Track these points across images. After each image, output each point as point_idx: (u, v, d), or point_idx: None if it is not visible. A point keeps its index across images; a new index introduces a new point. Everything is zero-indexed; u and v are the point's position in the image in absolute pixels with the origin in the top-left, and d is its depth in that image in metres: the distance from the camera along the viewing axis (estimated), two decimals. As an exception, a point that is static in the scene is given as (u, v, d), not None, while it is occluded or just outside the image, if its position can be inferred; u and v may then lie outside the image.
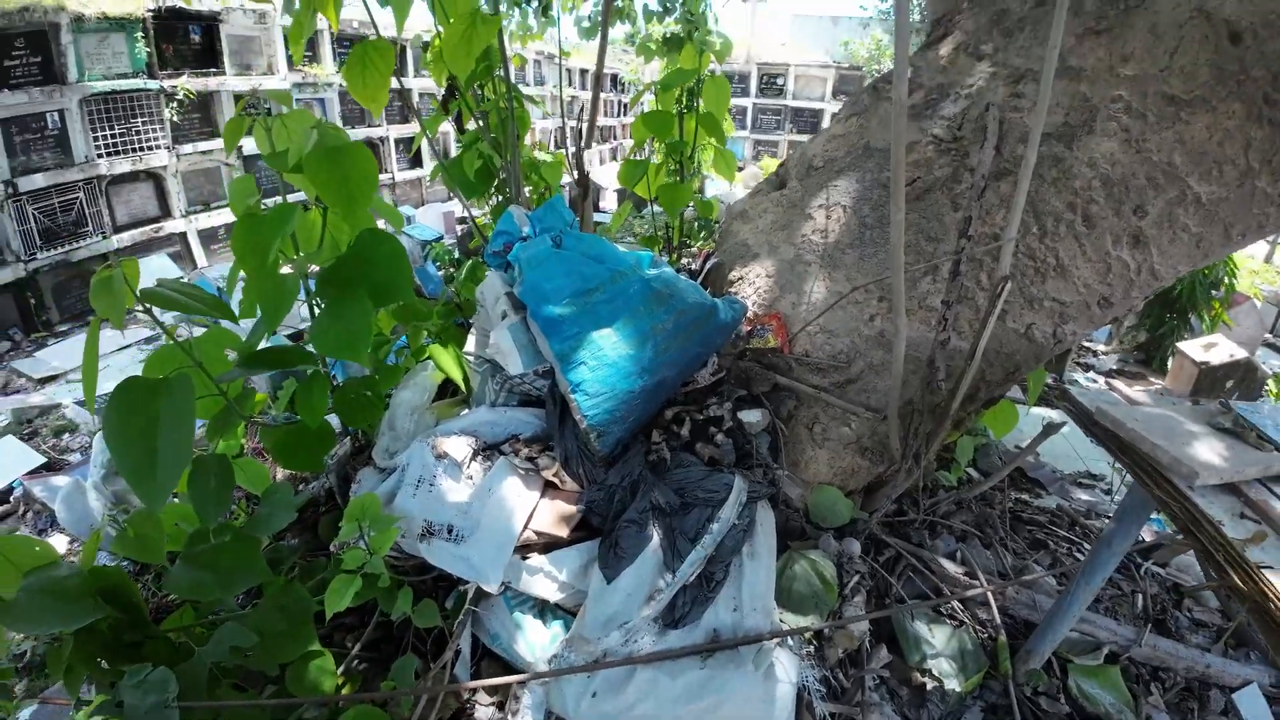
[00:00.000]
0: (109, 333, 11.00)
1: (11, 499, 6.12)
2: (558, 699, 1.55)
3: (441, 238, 12.08)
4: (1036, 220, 1.95)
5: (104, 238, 11.89)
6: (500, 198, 3.02)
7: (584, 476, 1.66)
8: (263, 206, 1.82)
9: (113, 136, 11.77)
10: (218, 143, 13.15)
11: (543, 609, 1.72)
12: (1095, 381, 6.55)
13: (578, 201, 3.19)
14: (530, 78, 18.80)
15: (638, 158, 3.43)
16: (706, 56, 3.78)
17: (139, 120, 12.02)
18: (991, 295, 1.65)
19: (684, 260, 3.39)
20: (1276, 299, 9.01)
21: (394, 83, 2.19)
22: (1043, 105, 1.40)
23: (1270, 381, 6.26)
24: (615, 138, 23.83)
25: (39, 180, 11.16)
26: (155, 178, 12.65)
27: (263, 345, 1.80)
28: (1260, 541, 1.26)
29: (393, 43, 2.15)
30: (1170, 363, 6.84)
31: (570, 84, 20.69)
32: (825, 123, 25.73)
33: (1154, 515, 2.64)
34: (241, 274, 1.78)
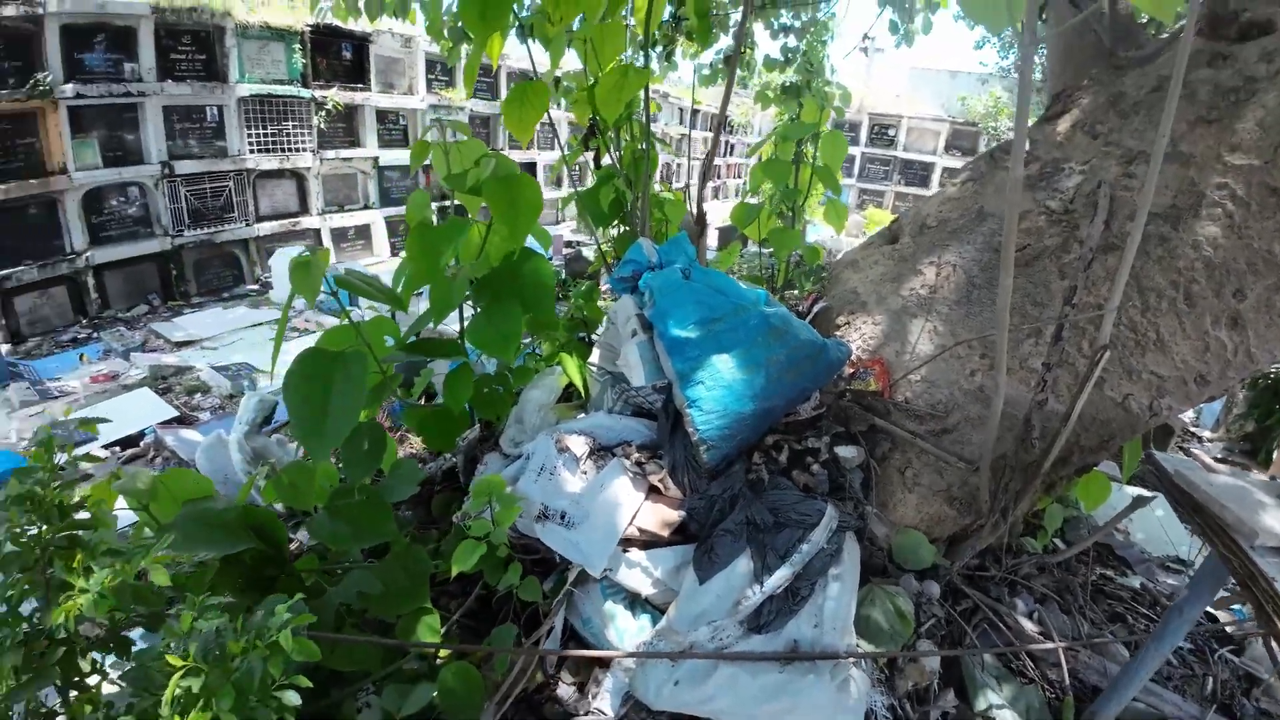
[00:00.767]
0: (241, 309, 12.06)
1: (142, 444, 6.81)
2: (640, 684, 1.71)
3: (551, 258, 12.70)
4: (1139, 294, 2.03)
5: (246, 225, 13.08)
6: (623, 229, 3.27)
7: (687, 485, 1.84)
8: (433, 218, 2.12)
9: (264, 135, 12.97)
10: (358, 151, 14.33)
11: (633, 601, 1.89)
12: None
13: (693, 236, 3.41)
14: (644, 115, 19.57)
15: (752, 201, 3.63)
16: (826, 112, 3.97)
17: (289, 123, 13.20)
18: (1091, 362, 1.73)
19: (789, 301, 3.55)
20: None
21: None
22: (1150, 186, 1.48)
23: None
24: (719, 176, 24.24)
25: (193, 166, 12.40)
26: (298, 177, 13.83)
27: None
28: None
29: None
30: (1276, 454, 6.41)
31: (680, 122, 21.33)
32: (936, 176, 25.35)
33: (1238, 606, 2.58)
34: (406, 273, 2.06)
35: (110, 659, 1.27)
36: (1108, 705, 1.86)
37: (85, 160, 11.27)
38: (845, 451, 2.02)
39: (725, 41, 6.54)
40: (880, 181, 25.82)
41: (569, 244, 14.54)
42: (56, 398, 8.94)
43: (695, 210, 3.27)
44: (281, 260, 12.25)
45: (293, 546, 2.55)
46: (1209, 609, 2.50)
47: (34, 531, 1.27)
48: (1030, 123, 2.71)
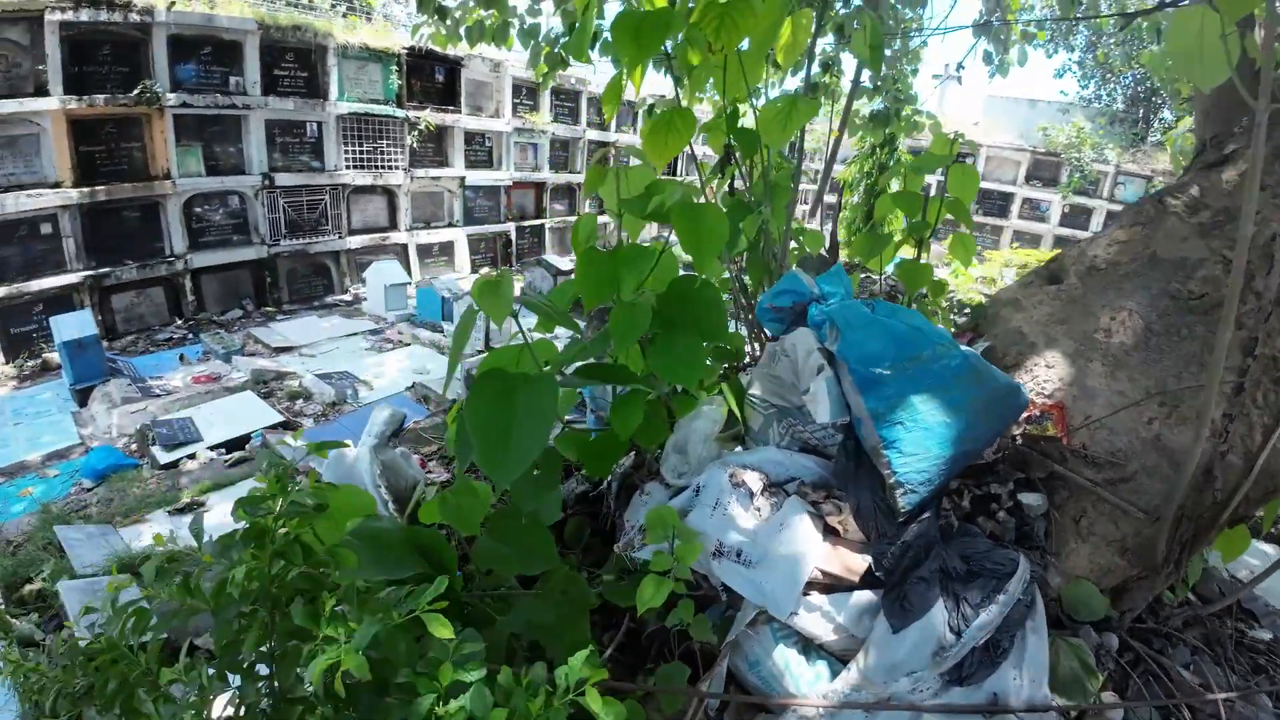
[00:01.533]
0: (336, 319, 12.51)
1: (247, 447, 7.05)
2: (827, 733, 1.66)
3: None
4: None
5: (339, 237, 13.63)
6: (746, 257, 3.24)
7: (875, 529, 1.79)
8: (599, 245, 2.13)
9: (360, 152, 13.53)
10: (447, 170, 14.86)
11: (806, 646, 1.84)
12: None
13: (822, 268, 3.36)
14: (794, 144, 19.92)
15: (880, 232, 3.56)
16: (956, 144, 3.89)
17: (384, 142, 13.75)
18: (1275, 415, 1.70)
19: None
20: None
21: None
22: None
23: None
24: (806, 202, 24.17)
25: (291, 179, 13.01)
26: (389, 193, 14.38)
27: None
28: None
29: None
30: None
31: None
32: (1016, 207, 24.66)
33: None
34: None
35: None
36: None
37: (189, 167, 11.93)
38: (1030, 499, 1.94)
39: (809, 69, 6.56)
40: (958, 211, 25.28)
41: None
42: (158, 396, 9.36)
43: (829, 241, 3.22)
44: (375, 274, 12.68)
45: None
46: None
47: (269, 571, 1.20)
48: (1179, 165, 2.69)
